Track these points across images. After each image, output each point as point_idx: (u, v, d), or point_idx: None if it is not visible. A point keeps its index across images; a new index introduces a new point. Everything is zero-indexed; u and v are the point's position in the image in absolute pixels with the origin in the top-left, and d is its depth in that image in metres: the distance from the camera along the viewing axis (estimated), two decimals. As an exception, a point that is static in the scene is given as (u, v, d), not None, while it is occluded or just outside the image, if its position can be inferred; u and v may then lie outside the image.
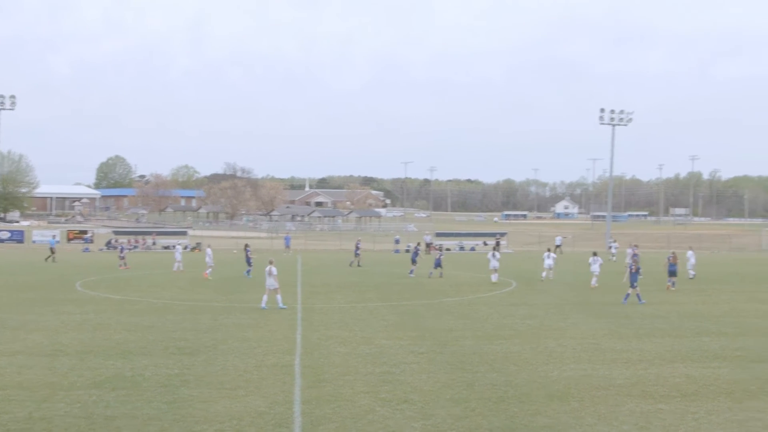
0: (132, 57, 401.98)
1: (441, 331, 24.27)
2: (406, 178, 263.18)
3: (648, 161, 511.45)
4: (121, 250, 53.40)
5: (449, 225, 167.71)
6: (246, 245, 46.50)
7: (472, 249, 79.12)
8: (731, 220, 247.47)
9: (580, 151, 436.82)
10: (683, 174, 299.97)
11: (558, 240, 77.09)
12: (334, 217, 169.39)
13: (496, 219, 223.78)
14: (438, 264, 44.99)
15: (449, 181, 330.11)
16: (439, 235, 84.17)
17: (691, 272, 44.66)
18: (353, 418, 14.12)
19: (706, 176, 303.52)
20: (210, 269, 43.24)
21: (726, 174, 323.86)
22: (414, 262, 46.98)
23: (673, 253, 41.13)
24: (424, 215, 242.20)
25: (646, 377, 17.79)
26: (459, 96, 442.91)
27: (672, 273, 38.95)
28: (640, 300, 32.04)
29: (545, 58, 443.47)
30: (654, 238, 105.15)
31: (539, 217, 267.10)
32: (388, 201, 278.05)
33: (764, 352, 21.31)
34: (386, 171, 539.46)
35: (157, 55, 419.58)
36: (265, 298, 29.63)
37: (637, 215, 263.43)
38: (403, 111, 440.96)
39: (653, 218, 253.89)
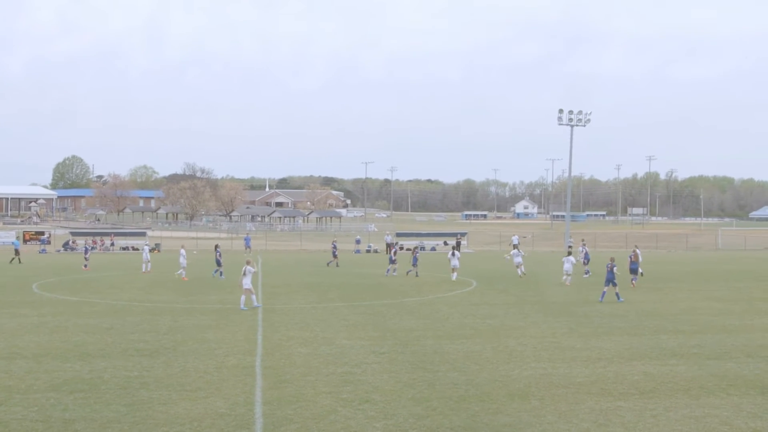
0: (89, 56, 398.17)
1: (402, 331, 24.31)
2: (367, 178, 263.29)
3: (606, 162, 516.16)
4: (86, 251, 52.91)
5: (410, 225, 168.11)
6: (216, 246, 46.46)
7: (433, 249, 79.38)
8: (688, 220, 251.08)
9: (539, 151, 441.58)
10: (640, 174, 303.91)
11: (515, 239, 77.38)
12: (294, 217, 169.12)
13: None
14: (415, 263, 45.77)
15: (410, 181, 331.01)
16: (399, 235, 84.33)
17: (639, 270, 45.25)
18: (315, 419, 14.09)
19: (662, 176, 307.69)
20: (183, 270, 43.25)
21: (682, 174, 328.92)
22: (392, 261, 47.50)
23: (635, 251, 42.26)
24: (384, 215, 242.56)
25: (605, 375, 17.96)
26: (418, 96, 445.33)
27: (633, 271, 40.11)
28: (618, 298, 32.60)
29: (503, 58, 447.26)
30: (612, 238, 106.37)
31: (499, 217, 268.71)
32: (348, 201, 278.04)
33: (720, 349, 21.63)
34: (347, 171, 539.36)
35: (115, 55, 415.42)
36: (243, 299, 29.55)
37: (596, 215, 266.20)
38: (363, 111, 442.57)
39: (611, 218, 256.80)
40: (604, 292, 33.11)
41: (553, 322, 26.65)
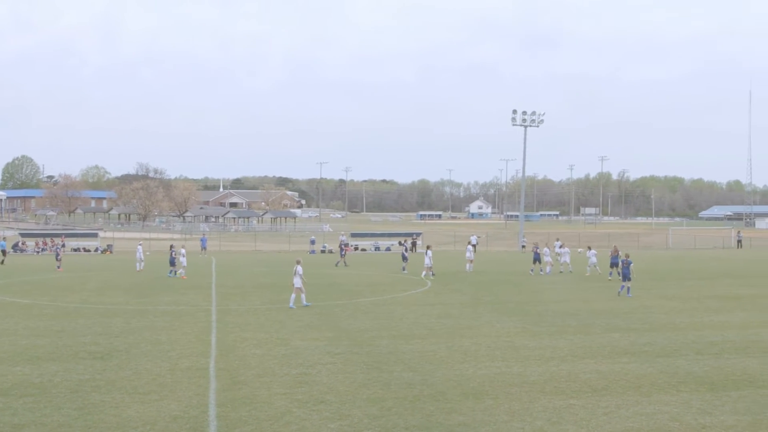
0: (41, 53, 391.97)
1: (357, 332, 24.31)
2: (322, 178, 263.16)
3: (559, 162, 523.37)
4: (57, 254, 52.27)
5: (365, 225, 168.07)
6: (171, 246, 46.40)
7: (388, 249, 79.46)
8: (639, 220, 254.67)
9: (493, 151, 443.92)
10: (593, 174, 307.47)
11: (473, 239, 78.03)
12: (248, 218, 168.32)
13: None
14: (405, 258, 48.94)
15: (364, 181, 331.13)
16: (354, 235, 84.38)
17: (593, 268, 46.99)
18: (269, 420, 14.03)
19: (615, 177, 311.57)
20: (182, 269, 44.05)
21: (634, 174, 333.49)
22: (405, 259, 49.54)
23: (615, 246, 46.07)
24: (339, 216, 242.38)
25: (558, 374, 18.13)
26: (373, 97, 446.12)
27: (614, 264, 42.35)
28: (628, 293, 34.66)
29: (458, 59, 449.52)
30: (565, 237, 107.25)
31: (454, 217, 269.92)
32: (303, 201, 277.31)
33: (671, 346, 21.95)
34: (301, 171, 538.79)
35: (68, 52, 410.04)
36: (293, 297, 30.23)
37: (549, 215, 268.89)
38: (318, 111, 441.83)
39: (564, 218, 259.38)
40: (623, 287, 35.32)
41: (507, 321, 26.84)
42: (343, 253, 56.58)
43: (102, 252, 72.81)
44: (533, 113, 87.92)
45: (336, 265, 53.99)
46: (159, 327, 25.03)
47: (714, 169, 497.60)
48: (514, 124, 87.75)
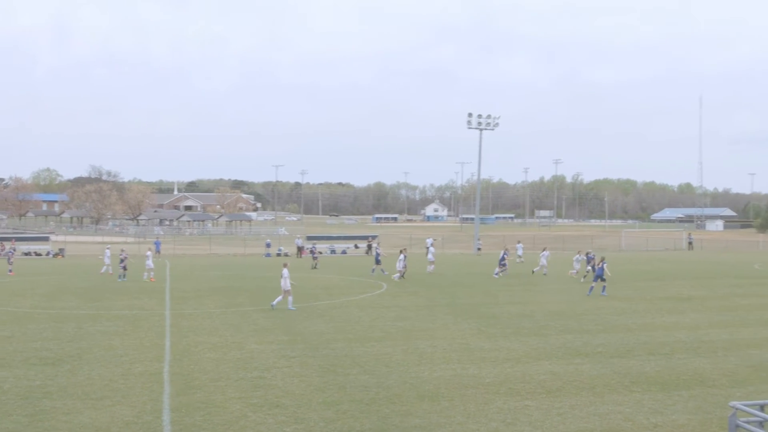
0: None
1: (312, 335, 24.25)
2: (277, 181, 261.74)
3: (514, 165, 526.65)
4: (9, 258, 51.32)
5: (321, 228, 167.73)
6: (122, 250, 45.99)
7: (344, 252, 79.36)
8: (593, 222, 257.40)
9: (449, 155, 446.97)
10: (547, 177, 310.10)
11: (429, 242, 78.34)
12: (203, 221, 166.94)
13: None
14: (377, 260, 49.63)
15: (320, 184, 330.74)
16: (310, 238, 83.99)
17: (543, 268, 48.35)
18: (224, 425, 13.94)
19: (569, 179, 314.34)
20: (152, 272, 44.49)
21: (588, 177, 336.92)
22: (431, 261, 50.23)
23: (591, 254, 47.43)
24: (295, 219, 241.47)
25: (513, 375, 18.26)
26: (329, 100, 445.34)
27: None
28: (603, 291, 36.08)
29: (414, 63, 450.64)
30: (520, 239, 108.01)
31: (410, 220, 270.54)
32: (259, 205, 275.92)
33: (623, 347, 22.23)
34: (257, 174, 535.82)
35: (19, 52, 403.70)
36: (290, 299, 30.68)
37: (504, 217, 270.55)
38: (274, 114, 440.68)
39: (519, 220, 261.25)
40: (592, 287, 36.53)
41: (462, 323, 26.96)
42: (315, 256, 57.05)
43: (54, 256, 71.69)
44: (488, 117, 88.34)
45: (372, 272, 51.88)
46: (112, 332, 24.73)
47: (666, 172, 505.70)
48: (469, 128, 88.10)
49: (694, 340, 23.64)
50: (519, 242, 59.78)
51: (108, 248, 50.31)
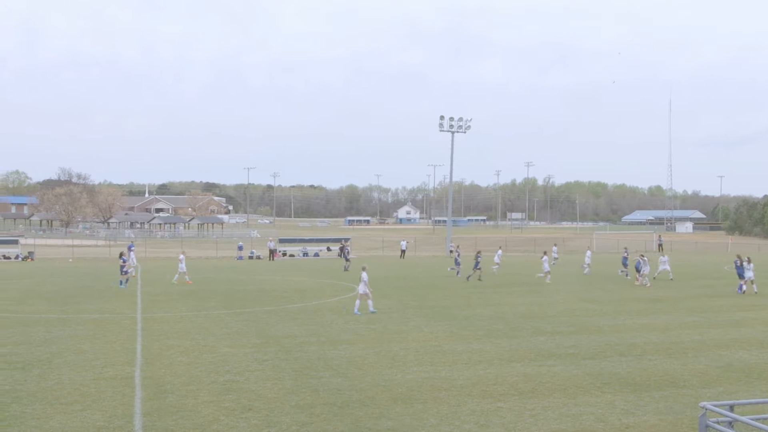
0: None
1: (285, 338, 24.18)
2: (249, 184, 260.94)
3: (486, 168, 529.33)
4: None
5: (293, 231, 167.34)
6: (121, 254, 45.48)
7: (316, 255, 79.25)
8: (564, 224, 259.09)
9: (421, 157, 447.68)
10: (519, 180, 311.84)
11: (403, 245, 78.79)
12: (175, 224, 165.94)
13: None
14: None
15: (292, 187, 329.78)
16: (282, 241, 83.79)
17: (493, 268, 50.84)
18: (196, 429, 13.85)
19: (540, 182, 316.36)
20: (186, 275, 44.51)
21: (559, 180, 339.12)
22: (457, 263, 50.51)
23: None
24: (267, 221, 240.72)
25: (486, 377, 18.31)
26: (301, 102, 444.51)
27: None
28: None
29: (386, 66, 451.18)
30: (492, 242, 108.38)
31: (382, 222, 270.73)
32: (230, 207, 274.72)
33: (595, 348, 22.37)
34: (229, 177, 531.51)
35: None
36: (357, 303, 30.32)
37: (477, 220, 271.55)
38: (245, 116, 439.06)
39: (491, 222, 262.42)
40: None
41: (434, 325, 27.00)
42: (348, 258, 58.67)
43: (23, 259, 70.98)
44: (460, 119, 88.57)
45: (467, 278, 51.01)
46: (82, 336, 24.51)
47: (636, 175, 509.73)
48: (441, 130, 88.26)
49: (665, 341, 23.83)
50: (500, 248, 58.80)
51: (183, 254, 47.55)
